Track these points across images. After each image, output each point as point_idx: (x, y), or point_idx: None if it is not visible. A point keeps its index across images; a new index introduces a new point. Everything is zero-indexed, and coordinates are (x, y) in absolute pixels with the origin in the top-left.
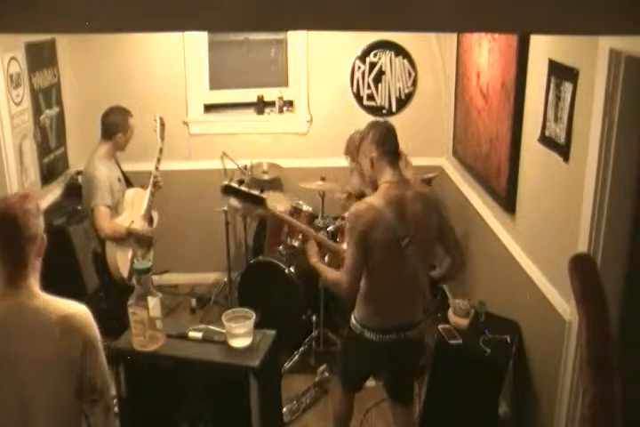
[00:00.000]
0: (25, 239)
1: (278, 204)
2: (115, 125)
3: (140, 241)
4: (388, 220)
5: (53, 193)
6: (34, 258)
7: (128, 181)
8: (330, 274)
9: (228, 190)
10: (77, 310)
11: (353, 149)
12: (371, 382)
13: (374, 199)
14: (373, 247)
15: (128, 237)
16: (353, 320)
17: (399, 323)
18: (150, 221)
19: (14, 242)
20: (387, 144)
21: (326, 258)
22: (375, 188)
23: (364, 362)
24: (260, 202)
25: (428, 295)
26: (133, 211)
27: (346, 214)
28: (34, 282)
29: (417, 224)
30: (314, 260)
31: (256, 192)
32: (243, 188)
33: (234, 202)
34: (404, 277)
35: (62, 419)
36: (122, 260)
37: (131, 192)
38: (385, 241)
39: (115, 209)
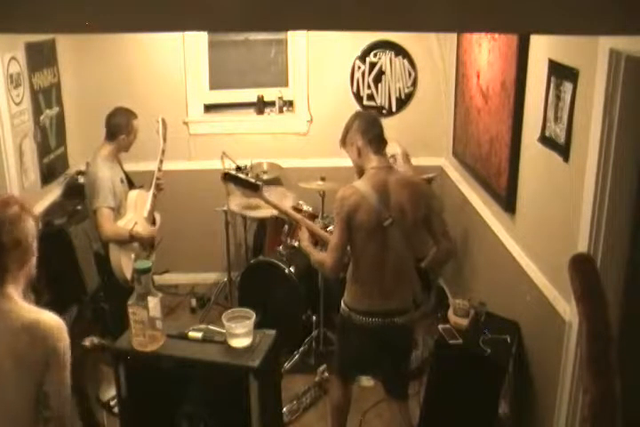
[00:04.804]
0: (2, 246)
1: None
2: (118, 127)
3: (143, 243)
4: (371, 203)
5: (53, 193)
6: (15, 265)
7: (131, 181)
8: (316, 255)
9: (227, 177)
10: (48, 319)
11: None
12: (369, 382)
13: (360, 184)
14: (358, 229)
15: (131, 241)
16: (342, 304)
17: (385, 308)
18: (153, 222)
19: None
20: (371, 132)
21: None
22: (362, 174)
23: (354, 347)
24: (256, 188)
25: (417, 287)
26: (136, 213)
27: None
28: (13, 289)
29: (400, 208)
30: (304, 243)
31: (252, 180)
32: (240, 174)
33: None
34: (388, 260)
35: None
36: (126, 262)
37: (133, 194)
38: (368, 223)
39: (117, 211)
